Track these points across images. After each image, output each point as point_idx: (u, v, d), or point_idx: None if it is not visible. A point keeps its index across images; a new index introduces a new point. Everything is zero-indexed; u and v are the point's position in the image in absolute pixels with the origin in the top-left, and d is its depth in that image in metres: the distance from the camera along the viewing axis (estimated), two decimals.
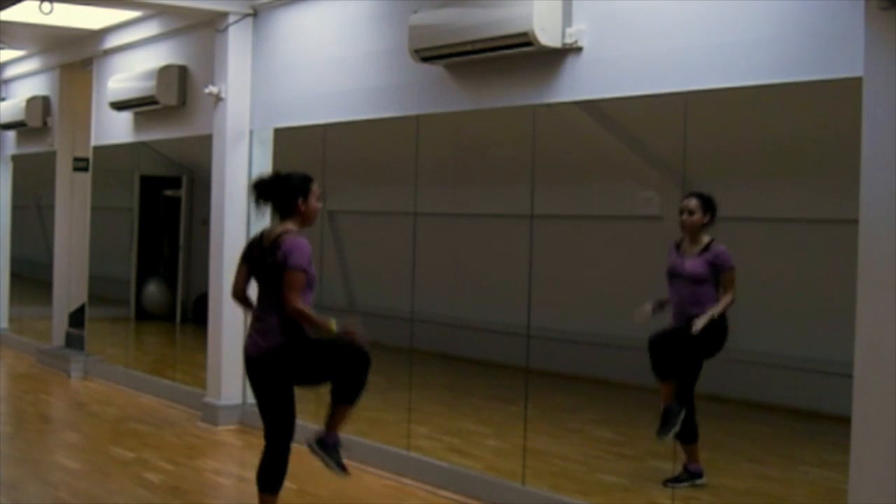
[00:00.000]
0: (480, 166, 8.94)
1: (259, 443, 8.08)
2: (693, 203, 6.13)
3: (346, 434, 7.58)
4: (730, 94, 5.30)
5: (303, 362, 5.19)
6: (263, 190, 5.24)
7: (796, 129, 6.35)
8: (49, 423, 9.28)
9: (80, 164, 11.88)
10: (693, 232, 6.18)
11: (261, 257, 5.18)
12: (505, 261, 8.22)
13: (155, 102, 9.51)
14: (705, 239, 6.18)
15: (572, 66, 5.91)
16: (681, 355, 6.21)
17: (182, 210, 11.37)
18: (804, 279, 7.28)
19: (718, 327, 6.15)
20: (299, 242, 5.06)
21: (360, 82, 7.51)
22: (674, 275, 6.26)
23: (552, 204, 7.42)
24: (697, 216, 6.14)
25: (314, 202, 5.26)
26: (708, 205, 6.14)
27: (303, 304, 5.03)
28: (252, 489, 7.06)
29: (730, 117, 6.39)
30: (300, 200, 5.19)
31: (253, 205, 5.32)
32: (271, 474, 5.42)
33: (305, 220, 5.24)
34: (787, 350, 7.33)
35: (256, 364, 5.20)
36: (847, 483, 4.42)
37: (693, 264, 6.17)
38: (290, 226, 5.17)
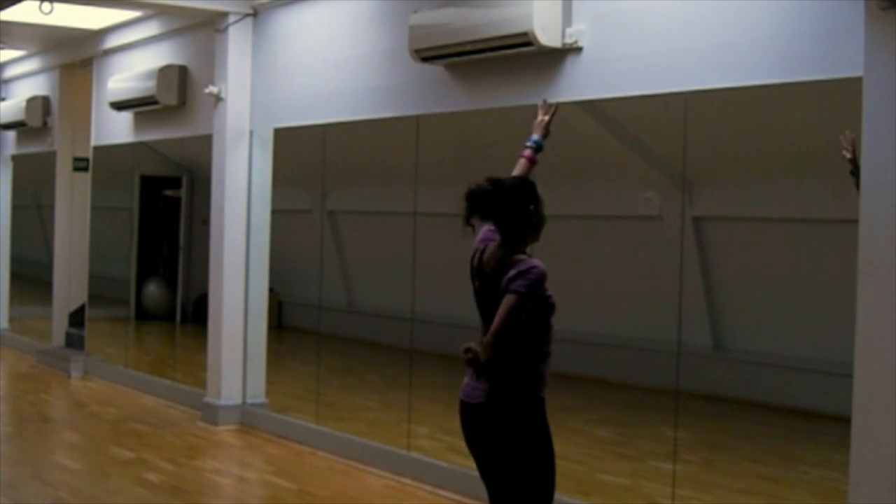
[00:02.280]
0: (480, 166, 8.93)
1: (259, 443, 8.12)
2: None
3: (346, 434, 7.61)
4: (730, 94, 5.30)
5: (522, 440, 4.04)
6: (480, 201, 4.06)
7: (796, 129, 6.35)
8: (49, 423, 9.27)
9: (80, 164, 11.88)
10: None
11: (483, 286, 4.09)
12: None
13: (155, 102, 9.51)
14: None
15: (572, 66, 5.90)
16: None
17: (182, 210, 11.38)
18: (804, 279, 7.29)
19: None
20: (533, 265, 3.95)
21: (360, 82, 7.51)
22: None
23: (552, 204, 7.41)
24: None
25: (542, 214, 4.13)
26: None
27: (499, 321, 3.87)
28: (252, 489, 7.08)
29: (730, 117, 6.39)
30: (532, 207, 4.08)
31: (464, 223, 4.08)
32: None
33: (533, 236, 4.12)
34: (787, 350, 7.34)
35: (470, 413, 4.07)
36: (847, 483, 4.42)
37: None
38: (518, 247, 4.04)
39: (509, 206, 4.03)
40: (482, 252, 4.11)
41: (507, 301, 3.87)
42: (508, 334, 3.88)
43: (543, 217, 4.14)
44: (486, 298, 4.05)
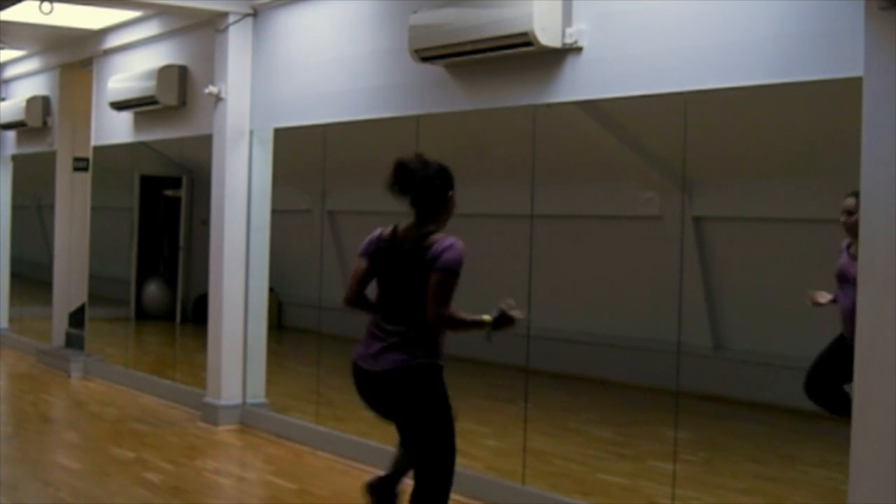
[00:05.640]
0: (480, 166, 8.95)
1: (259, 443, 8.12)
2: (851, 202, 5.62)
3: (346, 434, 7.61)
4: (730, 94, 5.30)
5: (428, 401, 4.34)
6: (407, 175, 4.39)
7: (796, 129, 6.35)
8: (49, 423, 9.27)
9: (80, 164, 11.88)
10: (856, 233, 5.54)
11: (398, 261, 4.39)
12: (505, 261, 8.23)
13: (155, 102, 9.51)
14: None
15: (572, 66, 5.90)
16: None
17: (182, 210, 11.38)
18: (804, 279, 7.28)
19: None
20: (453, 242, 4.29)
21: (360, 82, 7.51)
22: (842, 279, 5.78)
23: (552, 204, 7.42)
24: (857, 215, 5.71)
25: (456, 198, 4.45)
26: None
27: (437, 302, 4.23)
28: (252, 489, 7.08)
29: (730, 117, 6.39)
30: (451, 193, 4.42)
31: (389, 191, 4.45)
32: None
33: (447, 220, 4.46)
34: (787, 350, 7.34)
35: (375, 380, 4.38)
36: (847, 483, 4.42)
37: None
38: (433, 227, 4.37)
39: (433, 188, 4.37)
40: (393, 230, 4.44)
41: (440, 278, 4.22)
42: (447, 306, 4.24)
43: (454, 208, 4.48)
44: (397, 272, 4.37)
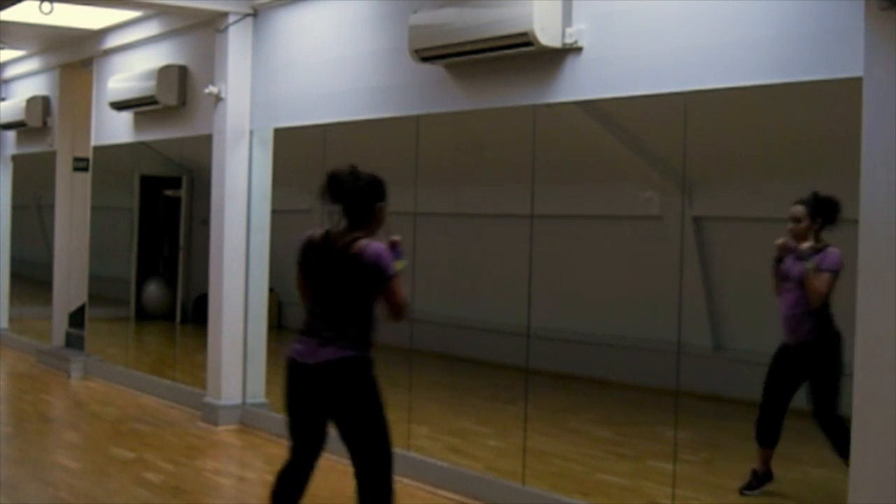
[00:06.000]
0: (480, 166, 8.94)
1: (259, 443, 8.12)
2: (797, 210, 5.86)
3: None
4: (730, 94, 5.30)
5: (365, 392, 4.65)
6: (337, 185, 4.64)
7: (796, 129, 6.35)
8: (49, 423, 9.27)
9: (80, 164, 11.88)
10: (803, 239, 5.84)
11: (328, 263, 4.63)
12: (505, 261, 8.23)
13: (155, 102, 9.51)
14: (821, 244, 5.81)
15: (572, 66, 5.91)
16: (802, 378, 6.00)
17: (182, 210, 11.38)
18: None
19: (829, 344, 5.77)
20: (379, 247, 4.52)
21: (360, 82, 7.51)
22: (784, 278, 5.96)
23: (552, 204, 7.42)
24: (804, 223, 5.82)
25: (387, 210, 4.68)
26: (817, 208, 5.80)
27: (399, 299, 4.56)
28: (252, 489, 7.08)
29: (730, 117, 6.39)
30: (379, 205, 4.64)
31: (320, 202, 4.69)
32: None
33: (376, 229, 4.66)
34: None
35: (313, 373, 4.64)
36: (847, 483, 4.42)
37: (801, 268, 5.82)
38: (361, 234, 4.58)
39: (362, 198, 4.60)
40: (326, 233, 4.66)
41: (390, 285, 4.49)
42: (401, 296, 4.56)
43: (384, 220, 4.70)
44: (329, 273, 4.60)
